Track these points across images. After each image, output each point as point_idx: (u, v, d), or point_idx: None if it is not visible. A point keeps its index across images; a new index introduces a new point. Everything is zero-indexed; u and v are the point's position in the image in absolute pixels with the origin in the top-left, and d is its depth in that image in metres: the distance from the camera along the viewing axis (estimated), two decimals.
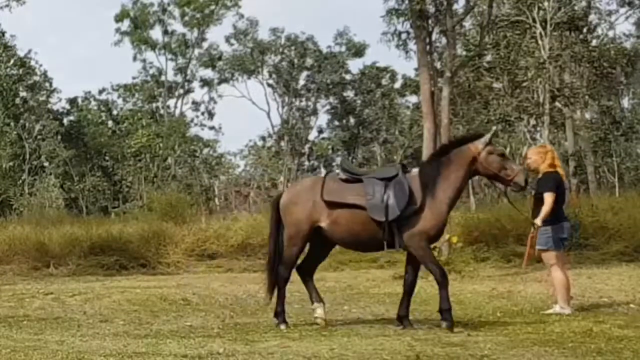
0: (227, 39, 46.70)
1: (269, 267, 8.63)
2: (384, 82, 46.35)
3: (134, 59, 48.18)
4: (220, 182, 43.10)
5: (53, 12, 65.41)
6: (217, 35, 77.78)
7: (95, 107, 48.38)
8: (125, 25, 47.37)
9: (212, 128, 48.29)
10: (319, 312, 8.45)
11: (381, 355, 6.38)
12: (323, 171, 45.09)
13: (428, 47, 18.10)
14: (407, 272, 8.30)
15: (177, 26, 47.75)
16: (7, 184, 38.00)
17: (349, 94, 47.11)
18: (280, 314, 8.44)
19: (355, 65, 48.82)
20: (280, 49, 46.24)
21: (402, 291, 8.34)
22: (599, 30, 28.11)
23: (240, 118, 64.33)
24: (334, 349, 6.64)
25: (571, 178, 24.76)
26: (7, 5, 28.30)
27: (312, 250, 8.66)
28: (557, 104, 21.43)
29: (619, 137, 31.47)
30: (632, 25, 34.18)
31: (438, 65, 20.71)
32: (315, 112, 47.22)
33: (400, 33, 20.62)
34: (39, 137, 40.51)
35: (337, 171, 8.91)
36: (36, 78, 43.53)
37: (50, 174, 38.91)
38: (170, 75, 48.31)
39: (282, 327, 8.29)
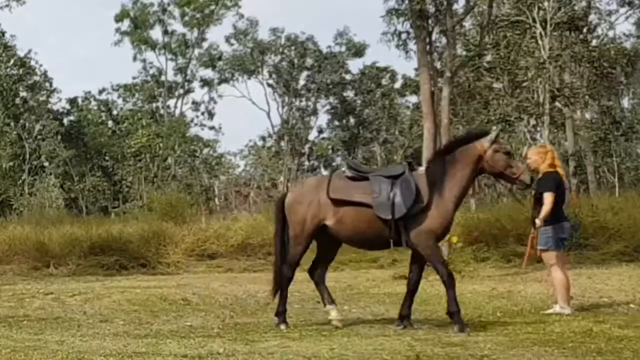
0: (227, 39, 46.86)
1: (275, 267, 8.59)
2: (384, 82, 46.39)
3: (134, 59, 48.36)
4: (220, 182, 43.06)
5: (53, 12, 65.54)
6: (217, 35, 77.92)
7: (95, 107, 48.41)
8: (125, 25, 47.50)
9: (212, 128, 48.45)
10: (334, 314, 8.38)
11: (381, 355, 6.38)
12: (323, 171, 45.19)
13: (428, 47, 18.09)
14: (412, 271, 8.24)
15: (177, 26, 47.91)
16: (7, 184, 38.02)
17: (349, 94, 47.16)
18: (281, 313, 8.42)
19: (355, 65, 48.97)
20: (280, 49, 46.27)
21: (406, 290, 8.28)
22: (599, 30, 28.17)
23: (240, 118, 64.45)
24: (334, 349, 6.65)
25: (571, 178, 24.76)
26: (7, 5, 28.38)
27: (319, 252, 8.60)
28: (557, 104, 21.43)
29: (619, 137, 31.45)
30: (632, 25, 34.24)
31: (438, 65, 20.69)
32: (315, 112, 47.28)
33: (400, 33, 20.62)
34: (39, 137, 40.53)
35: (344, 169, 8.84)
36: (36, 78, 43.56)
37: (50, 174, 38.93)
38: (170, 75, 48.46)
39: (282, 327, 8.27)
